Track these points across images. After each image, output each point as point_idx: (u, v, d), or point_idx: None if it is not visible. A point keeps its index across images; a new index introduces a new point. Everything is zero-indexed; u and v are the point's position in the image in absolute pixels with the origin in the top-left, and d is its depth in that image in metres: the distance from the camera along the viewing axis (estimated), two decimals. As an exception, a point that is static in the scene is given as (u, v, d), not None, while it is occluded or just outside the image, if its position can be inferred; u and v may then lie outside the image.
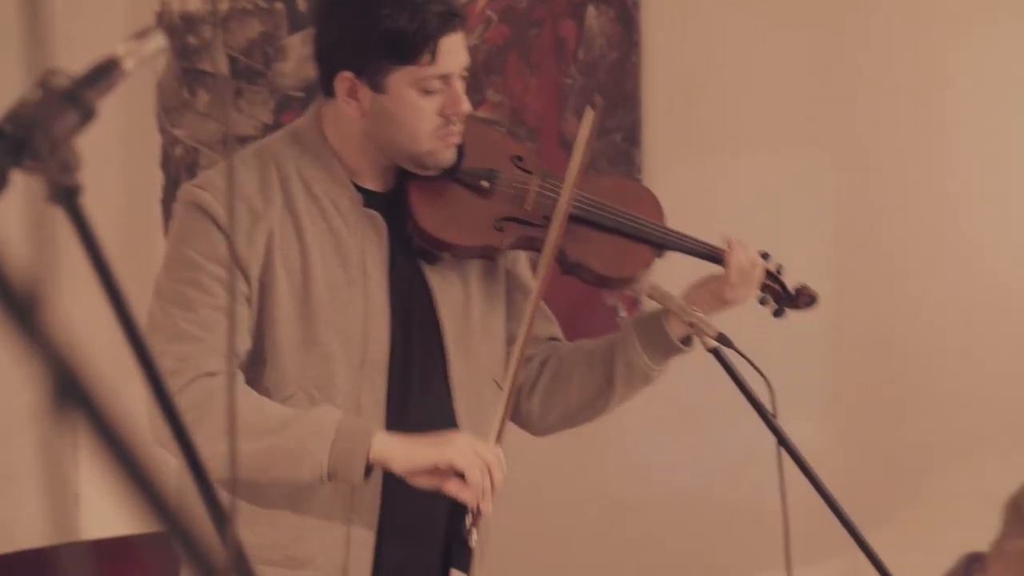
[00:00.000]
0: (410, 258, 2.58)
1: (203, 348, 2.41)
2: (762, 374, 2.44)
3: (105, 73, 1.18)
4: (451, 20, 2.46)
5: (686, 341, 2.61)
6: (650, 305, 2.67)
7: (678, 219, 2.70)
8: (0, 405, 3.14)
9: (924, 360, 3.54)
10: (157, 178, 4.21)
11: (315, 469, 2.37)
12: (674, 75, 3.77)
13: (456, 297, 2.60)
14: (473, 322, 2.61)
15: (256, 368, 2.47)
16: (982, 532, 1.65)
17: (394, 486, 2.51)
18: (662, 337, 2.62)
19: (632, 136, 3.78)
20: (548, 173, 2.65)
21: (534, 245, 2.60)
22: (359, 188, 2.56)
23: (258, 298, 2.47)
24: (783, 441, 2.46)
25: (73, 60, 1.20)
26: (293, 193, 2.51)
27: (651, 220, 2.68)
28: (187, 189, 2.52)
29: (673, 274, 2.70)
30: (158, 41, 1.24)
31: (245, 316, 2.45)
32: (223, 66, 4.16)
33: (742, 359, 2.49)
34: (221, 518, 1.06)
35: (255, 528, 2.48)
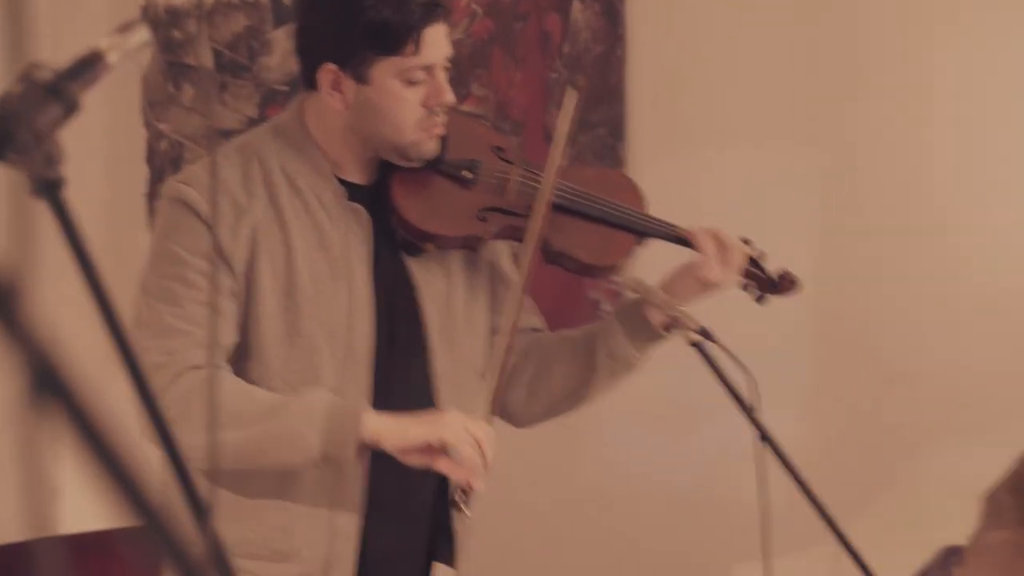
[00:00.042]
0: (393, 251, 2.59)
1: (189, 342, 2.42)
2: (743, 367, 2.44)
3: (88, 66, 1.18)
4: (434, 11, 2.47)
5: (668, 328, 2.62)
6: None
7: (663, 213, 2.70)
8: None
9: (906, 353, 3.55)
10: (142, 172, 4.21)
11: (308, 452, 2.39)
12: (659, 69, 3.78)
13: (439, 289, 2.61)
14: (456, 314, 2.62)
15: (241, 362, 2.48)
16: (962, 524, 1.66)
17: (379, 476, 2.53)
18: (644, 325, 2.62)
19: (617, 130, 3.79)
20: (529, 163, 2.66)
21: (517, 235, 2.61)
22: (342, 181, 2.56)
23: (243, 292, 2.47)
24: (765, 436, 2.47)
25: (57, 53, 1.20)
26: (276, 187, 2.52)
27: (633, 208, 2.69)
28: (171, 185, 2.52)
29: (656, 262, 2.71)
30: (142, 35, 1.24)
31: (232, 310, 2.46)
32: (208, 60, 4.15)
33: (724, 353, 2.49)
34: (201, 512, 1.07)
35: (240, 522, 2.49)
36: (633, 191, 2.74)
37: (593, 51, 3.81)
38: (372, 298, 2.53)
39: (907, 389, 3.54)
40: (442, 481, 2.61)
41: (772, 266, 2.72)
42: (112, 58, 1.20)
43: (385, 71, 2.46)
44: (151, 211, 4.08)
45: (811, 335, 3.64)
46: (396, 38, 2.44)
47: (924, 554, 1.75)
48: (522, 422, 2.76)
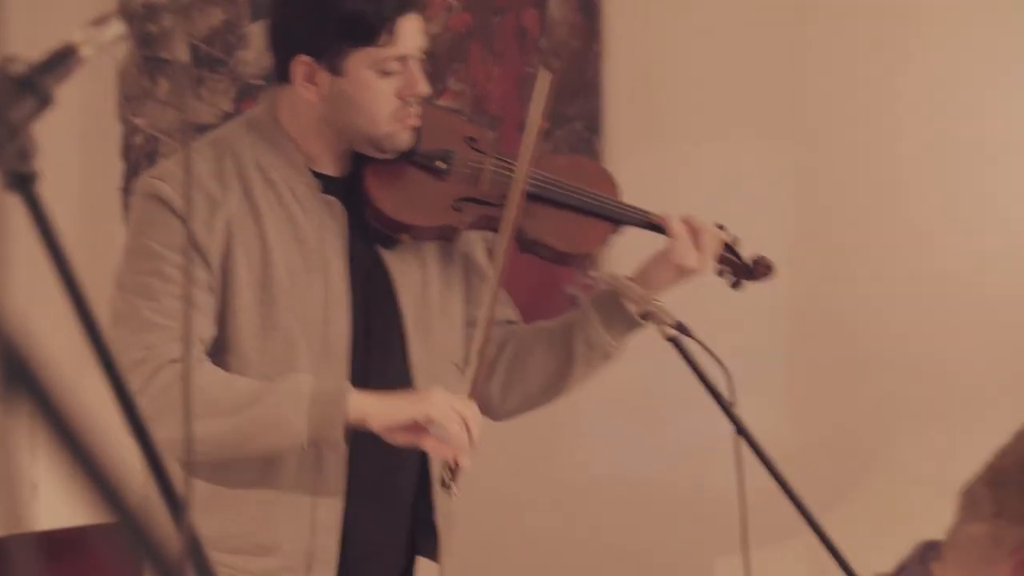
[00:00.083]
0: (368, 243, 2.59)
1: (168, 336, 2.42)
2: (720, 362, 2.44)
3: (62, 60, 1.18)
4: (408, 1, 2.47)
5: (645, 316, 2.61)
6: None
7: (639, 206, 2.71)
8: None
9: (881, 344, 3.56)
10: (117, 167, 4.19)
11: (295, 435, 2.39)
12: (635, 64, 3.78)
13: (415, 280, 2.61)
14: (432, 305, 2.62)
15: (220, 355, 2.48)
16: (940, 517, 1.66)
17: (359, 468, 2.53)
18: (621, 313, 2.62)
19: (593, 124, 3.78)
20: (503, 153, 2.66)
21: (492, 224, 2.61)
22: (316, 174, 2.56)
23: (220, 285, 2.47)
24: (741, 429, 2.47)
25: (32, 47, 1.20)
26: (250, 180, 2.52)
27: (607, 196, 2.69)
28: (144, 181, 2.53)
29: (630, 250, 2.71)
30: (116, 28, 1.23)
31: (209, 304, 2.47)
32: (184, 54, 4.14)
33: (700, 347, 2.49)
34: (178, 508, 1.06)
35: (220, 515, 2.49)
36: (606, 179, 2.74)
37: (570, 46, 3.80)
38: (348, 290, 2.54)
39: (883, 381, 3.56)
40: (423, 475, 2.61)
41: (746, 252, 2.72)
42: (86, 51, 1.19)
43: (360, 62, 2.46)
44: (126, 206, 4.07)
45: (786, 327, 3.65)
46: (371, 29, 2.44)
47: (902, 546, 1.75)
48: (499, 415, 2.75)
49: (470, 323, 2.67)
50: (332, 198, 2.55)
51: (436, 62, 3.83)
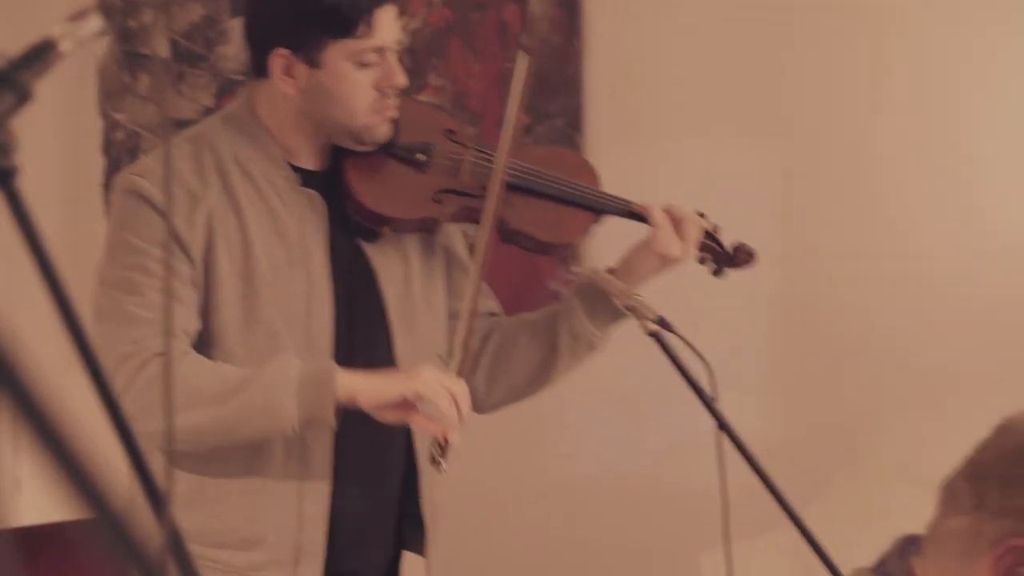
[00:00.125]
0: (349, 237, 2.59)
1: (154, 330, 2.43)
2: (701, 357, 2.45)
3: (41, 55, 1.17)
4: None
5: (627, 311, 2.62)
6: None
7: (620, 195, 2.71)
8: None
9: (862, 340, 3.57)
10: (98, 162, 4.18)
11: (286, 417, 2.39)
12: (616, 60, 3.78)
13: (397, 273, 2.61)
14: (415, 297, 2.63)
15: (204, 349, 2.49)
16: (921, 510, 1.67)
17: (345, 459, 2.52)
18: (604, 303, 2.63)
19: (574, 121, 3.78)
20: (483, 144, 2.67)
21: (473, 216, 2.61)
22: (295, 168, 2.56)
23: (202, 279, 2.48)
24: (723, 425, 2.47)
25: (10, 42, 1.19)
26: (229, 175, 2.52)
27: (587, 185, 2.70)
28: (124, 177, 2.53)
29: (612, 240, 2.71)
30: (95, 23, 1.23)
31: (193, 298, 2.47)
32: (164, 50, 4.13)
33: (682, 342, 2.49)
34: (159, 504, 1.06)
35: (205, 510, 2.49)
36: (586, 169, 2.75)
37: (551, 42, 3.80)
38: (330, 283, 2.54)
39: (864, 376, 3.57)
40: (410, 467, 2.61)
41: (727, 240, 2.73)
42: (65, 46, 1.19)
43: (337, 54, 2.47)
44: (107, 201, 4.06)
45: (768, 322, 3.66)
46: (348, 20, 2.45)
47: (883, 540, 1.75)
48: (483, 407, 2.76)
49: (453, 315, 2.67)
50: (312, 191, 2.56)
51: (416, 58, 3.82)
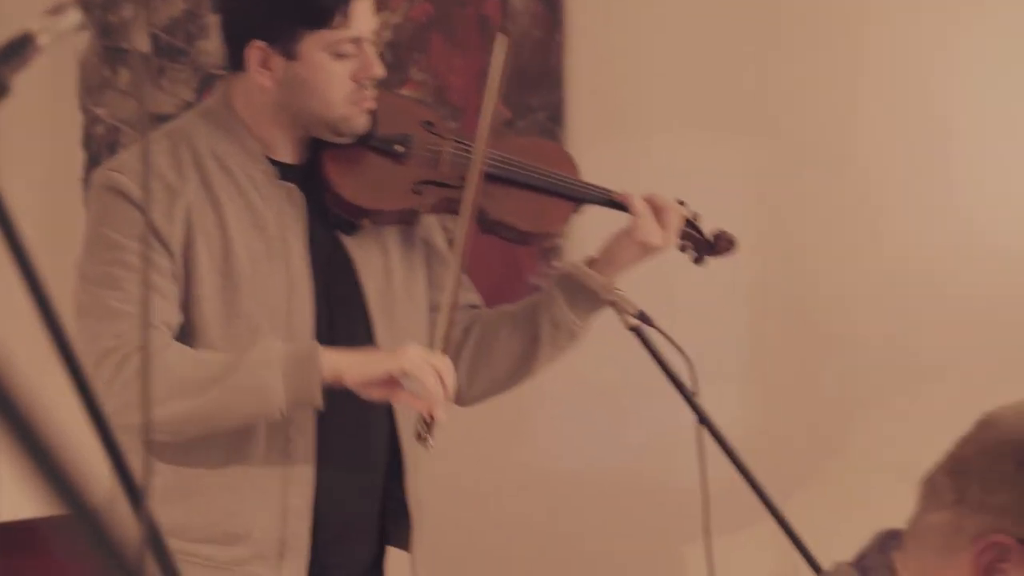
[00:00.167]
0: (328, 230, 2.59)
1: (135, 323, 2.42)
2: (682, 351, 2.45)
3: (19, 49, 1.17)
4: None
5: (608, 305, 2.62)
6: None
7: (600, 184, 2.72)
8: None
9: (842, 334, 3.58)
10: (78, 157, 4.17)
11: (273, 399, 2.38)
12: (598, 54, 3.78)
13: (377, 266, 2.61)
14: (396, 289, 2.63)
15: (185, 343, 2.48)
16: (902, 504, 1.67)
17: (328, 452, 2.52)
18: (585, 292, 2.63)
19: (556, 115, 3.78)
20: (461, 135, 2.67)
21: (453, 207, 2.61)
22: (273, 161, 2.56)
23: (182, 273, 2.47)
24: (703, 419, 2.47)
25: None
26: (207, 169, 2.52)
27: (567, 175, 2.70)
28: (101, 173, 2.52)
29: (593, 229, 2.71)
30: (73, 17, 1.23)
31: (174, 292, 2.47)
32: (144, 44, 4.12)
33: (662, 336, 2.50)
34: (137, 500, 1.06)
35: (187, 504, 2.48)
36: (566, 159, 2.75)
37: (532, 36, 3.80)
38: (310, 277, 2.54)
39: (845, 370, 3.57)
40: (395, 460, 2.61)
41: (708, 227, 2.73)
42: (43, 40, 1.18)
43: (314, 45, 2.47)
44: (86, 196, 4.05)
45: (748, 316, 3.66)
46: (324, 11, 2.45)
47: (863, 534, 1.76)
48: (465, 400, 2.75)
49: (433, 308, 2.67)
50: (291, 185, 2.56)
51: (398, 52, 3.82)
